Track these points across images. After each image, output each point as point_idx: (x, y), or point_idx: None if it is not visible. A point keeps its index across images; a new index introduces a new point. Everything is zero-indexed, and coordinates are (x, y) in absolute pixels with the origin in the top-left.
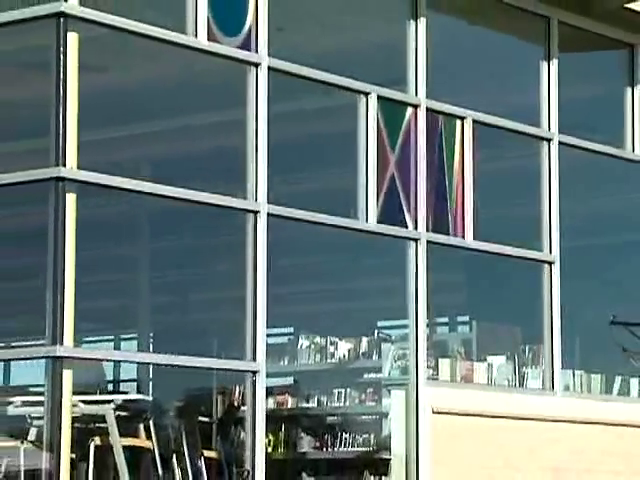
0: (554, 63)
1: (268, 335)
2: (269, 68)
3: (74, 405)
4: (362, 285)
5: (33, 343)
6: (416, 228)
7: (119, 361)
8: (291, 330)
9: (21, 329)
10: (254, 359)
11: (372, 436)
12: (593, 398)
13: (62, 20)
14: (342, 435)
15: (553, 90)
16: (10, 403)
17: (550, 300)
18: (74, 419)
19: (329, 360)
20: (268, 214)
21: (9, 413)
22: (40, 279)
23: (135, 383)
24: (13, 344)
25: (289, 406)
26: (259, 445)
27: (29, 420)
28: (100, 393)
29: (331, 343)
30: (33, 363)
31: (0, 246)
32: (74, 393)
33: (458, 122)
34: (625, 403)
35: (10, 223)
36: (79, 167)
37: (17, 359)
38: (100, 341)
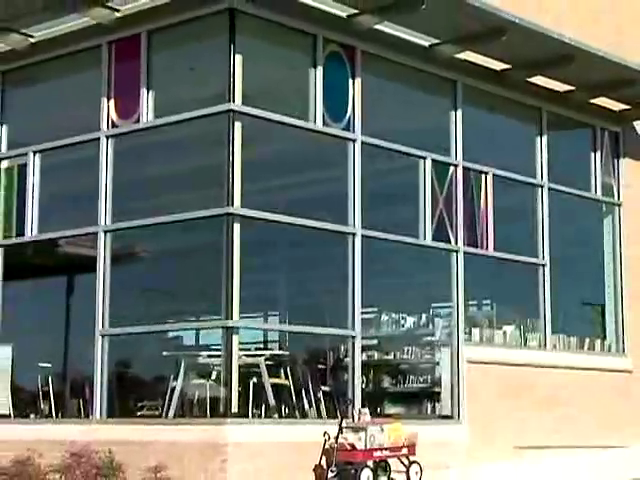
0: (544, 137)
1: (362, 312)
2: (362, 142)
3: (239, 357)
4: (422, 280)
5: (214, 318)
6: (456, 243)
7: (267, 329)
8: (376, 309)
9: (206, 310)
10: (353, 328)
11: (429, 377)
12: (571, 352)
13: (231, 114)
14: (409, 376)
15: (544, 153)
16: (200, 356)
17: (543, 289)
18: (239, 366)
19: (400, 328)
20: (362, 235)
21: (199, 362)
22: (218, 278)
23: (277, 343)
24: (201, 318)
25: (375, 358)
26: (357, 383)
27: (211, 366)
28: (256, 350)
29: (402, 317)
30: (214, 330)
31: (192, 257)
32: (239, 349)
33: (483, 175)
34: (592, 355)
35: (199, 243)
36: (242, 206)
37: (203, 328)
38: (255, 317)
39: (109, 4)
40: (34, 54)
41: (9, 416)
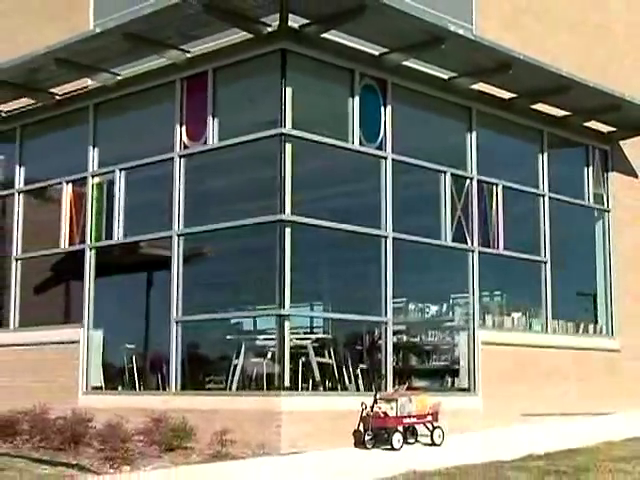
0: (545, 154)
1: (393, 302)
2: (393, 160)
3: (290, 340)
4: (443, 275)
5: (269, 307)
6: (472, 244)
7: (313, 317)
8: (405, 299)
9: (262, 300)
10: (385, 315)
11: (449, 356)
12: (568, 334)
13: (282, 137)
14: (433, 356)
15: (545, 168)
16: (257, 339)
17: (545, 283)
18: (290, 347)
19: (425, 316)
20: (393, 238)
21: (257, 344)
22: (272, 274)
23: (322, 328)
24: (258, 308)
25: (404, 340)
26: (389, 361)
27: (267, 347)
28: (304, 334)
29: (426, 306)
30: (269, 317)
31: (250, 257)
32: (290, 333)
33: (494, 187)
34: (586, 337)
35: (256, 245)
36: (292, 214)
37: (260, 316)
38: (303, 306)
39: (181, 47)
40: (120, 89)
41: (101, 388)
